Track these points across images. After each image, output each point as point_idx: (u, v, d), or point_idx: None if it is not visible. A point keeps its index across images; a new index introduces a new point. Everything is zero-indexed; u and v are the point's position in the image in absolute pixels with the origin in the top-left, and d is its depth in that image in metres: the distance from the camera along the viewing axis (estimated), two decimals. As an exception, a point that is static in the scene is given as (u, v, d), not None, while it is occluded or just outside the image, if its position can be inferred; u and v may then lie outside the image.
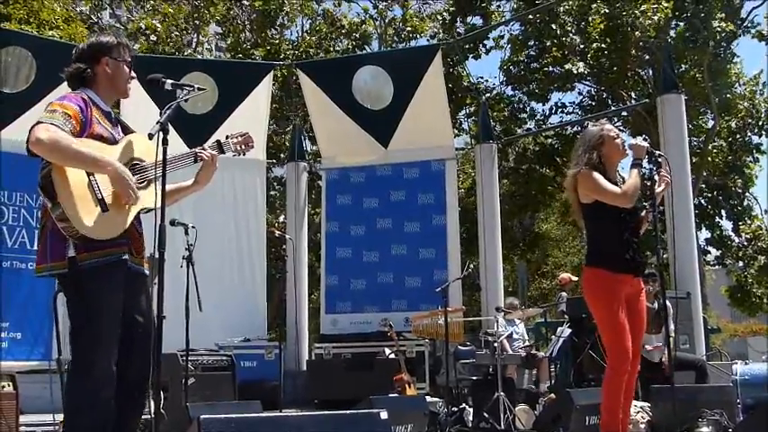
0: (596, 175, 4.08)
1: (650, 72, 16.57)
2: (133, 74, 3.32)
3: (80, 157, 2.96)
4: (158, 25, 15.45)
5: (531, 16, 16.18)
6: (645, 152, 4.17)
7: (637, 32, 14.64)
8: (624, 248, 4.10)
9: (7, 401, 5.46)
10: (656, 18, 14.09)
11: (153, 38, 15.31)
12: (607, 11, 15.50)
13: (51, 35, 12.11)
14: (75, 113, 3.03)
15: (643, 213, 4.30)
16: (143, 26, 15.64)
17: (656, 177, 4.24)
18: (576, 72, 15.96)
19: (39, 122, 2.95)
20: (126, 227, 3.09)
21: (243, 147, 3.56)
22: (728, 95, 17.11)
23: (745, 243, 18.87)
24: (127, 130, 3.31)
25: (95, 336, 2.98)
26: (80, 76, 3.22)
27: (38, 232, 3.13)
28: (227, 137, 3.54)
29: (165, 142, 3.04)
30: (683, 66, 15.21)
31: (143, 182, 3.15)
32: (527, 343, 8.49)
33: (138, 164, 3.17)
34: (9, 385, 5.58)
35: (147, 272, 3.29)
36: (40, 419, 6.07)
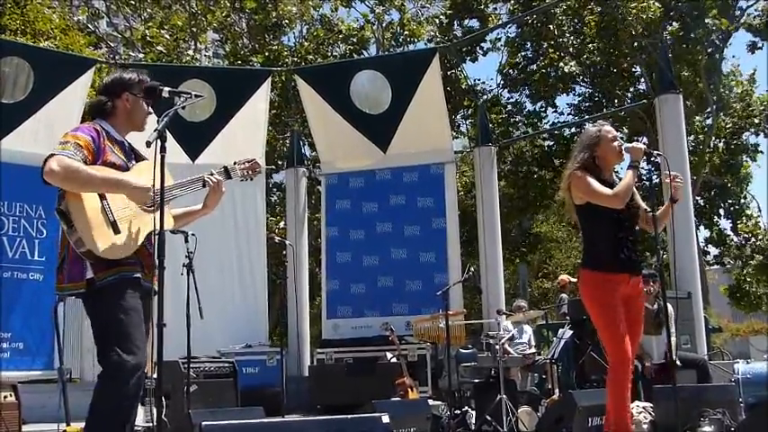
0: (587, 176, 4.08)
1: (645, 72, 16.62)
2: (151, 109, 3.47)
3: (93, 181, 3.15)
4: (167, 36, 15.47)
5: (527, 18, 16.22)
6: (642, 154, 4.17)
7: (629, 29, 14.67)
8: (619, 248, 4.09)
9: (9, 411, 5.47)
10: (644, 16, 14.12)
11: (160, 48, 15.32)
12: (600, 9, 15.57)
13: (47, 45, 12.11)
14: (86, 143, 3.20)
15: (645, 213, 4.30)
16: (148, 35, 15.64)
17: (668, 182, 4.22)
18: (568, 71, 15.99)
19: (51, 155, 3.12)
20: (137, 247, 3.24)
21: (250, 172, 3.70)
22: (723, 93, 17.18)
23: (743, 242, 18.91)
24: (140, 159, 3.45)
25: (122, 342, 3.09)
26: (101, 108, 3.40)
27: (58, 252, 3.31)
28: (234, 163, 3.67)
29: (162, 150, 3.10)
30: (677, 65, 15.28)
31: (153, 205, 3.26)
32: (533, 346, 8.49)
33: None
34: (11, 395, 5.59)
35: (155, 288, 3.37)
36: (43, 429, 6.07)
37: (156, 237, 3.10)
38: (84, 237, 3.11)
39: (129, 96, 3.39)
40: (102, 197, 3.19)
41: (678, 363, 6.17)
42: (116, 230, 3.18)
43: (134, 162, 3.40)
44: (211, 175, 3.51)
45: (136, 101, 3.40)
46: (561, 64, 16.28)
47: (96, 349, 3.16)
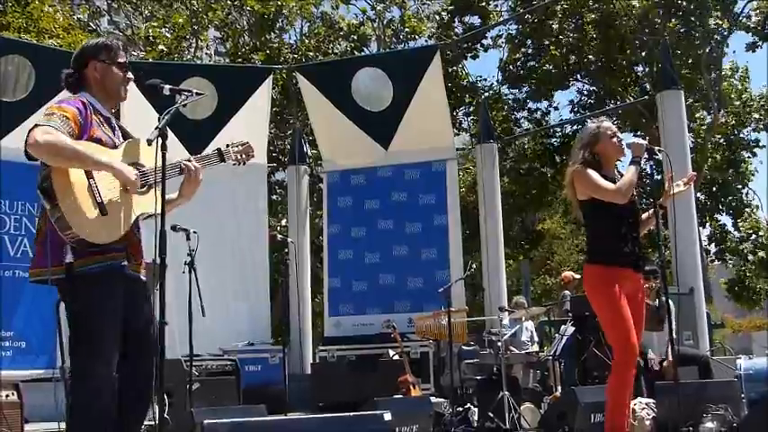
0: (590, 171, 4.08)
1: (645, 69, 16.63)
2: (130, 75, 3.28)
3: (79, 156, 2.94)
4: (168, 35, 15.46)
5: (527, 15, 16.22)
6: (644, 150, 4.17)
7: (627, 26, 14.68)
8: (623, 242, 4.09)
9: (12, 410, 5.47)
10: (638, 10, 14.11)
11: (161, 47, 15.31)
12: (597, 6, 15.59)
13: (51, 44, 12.12)
14: (73, 115, 3.02)
15: (649, 213, 4.31)
16: (150, 34, 15.63)
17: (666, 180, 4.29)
18: (569, 67, 15.99)
19: (36, 125, 2.94)
20: (126, 231, 3.07)
21: (243, 156, 3.51)
22: (723, 89, 17.21)
23: (744, 237, 18.91)
24: (127, 136, 3.29)
25: (94, 342, 2.96)
26: (67, 81, 3.24)
27: (34, 236, 3.12)
28: (227, 145, 3.50)
29: (163, 148, 3.03)
30: (678, 61, 15.27)
31: (143, 186, 3.12)
32: (536, 343, 8.48)
33: (138, 168, 3.15)
34: (13, 394, 5.58)
35: (144, 278, 3.25)
36: (45, 428, 6.07)
37: (158, 235, 2.98)
38: (68, 217, 2.89)
39: (96, 65, 3.19)
40: (89, 175, 2.98)
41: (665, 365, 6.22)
42: (103, 212, 2.97)
43: (121, 139, 3.23)
44: (189, 161, 3.26)
45: (105, 68, 3.20)
46: (562, 61, 16.27)
47: (69, 343, 3.02)
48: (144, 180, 3.13)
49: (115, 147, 3.15)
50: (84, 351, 2.97)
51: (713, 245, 19.79)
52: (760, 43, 17.01)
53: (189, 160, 3.28)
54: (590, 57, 16.75)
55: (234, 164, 3.52)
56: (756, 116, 17.99)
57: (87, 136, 3.05)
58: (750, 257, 18.88)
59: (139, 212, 3.14)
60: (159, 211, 3.01)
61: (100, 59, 3.21)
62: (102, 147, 3.08)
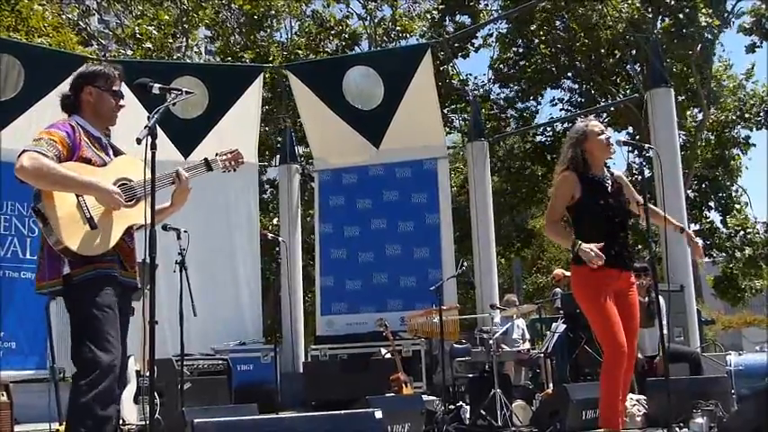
0: (562, 188, 4.17)
1: (636, 68, 16.68)
2: (122, 103, 3.42)
3: (64, 181, 3.09)
4: (154, 32, 15.38)
5: (516, 14, 16.24)
6: (591, 261, 3.95)
7: (615, 27, 14.73)
8: (609, 243, 4.08)
9: (2, 411, 5.45)
10: (623, 9, 14.16)
11: (148, 45, 15.24)
12: (583, 12, 15.66)
13: (41, 42, 12.07)
14: (61, 139, 3.16)
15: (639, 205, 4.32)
16: (137, 32, 15.56)
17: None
18: (559, 66, 16.04)
19: (24, 150, 3.08)
20: (115, 242, 3.20)
21: (232, 163, 3.65)
22: (715, 88, 17.29)
23: (733, 234, 18.99)
24: (118, 153, 3.43)
25: (98, 338, 3.07)
26: (65, 103, 3.39)
27: (38, 251, 3.28)
28: (216, 154, 3.62)
29: (153, 147, 3.08)
30: (669, 60, 15.34)
31: (131, 200, 3.25)
32: (527, 341, 8.48)
33: (126, 183, 3.27)
34: (3, 395, 5.57)
35: (139, 284, 3.39)
36: (36, 429, 6.05)
37: (148, 235, 3.06)
38: (60, 234, 3.07)
39: (91, 90, 3.35)
40: (77, 193, 3.15)
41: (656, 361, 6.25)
42: (93, 226, 3.14)
43: (111, 157, 3.36)
44: (179, 171, 3.44)
45: (100, 94, 3.35)
46: (551, 60, 16.32)
47: (70, 346, 3.13)
48: (131, 194, 3.25)
49: (104, 165, 3.28)
50: (87, 348, 3.06)
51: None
52: (759, 43, 17.11)
53: (178, 171, 3.43)
54: (579, 58, 16.80)
55: (223, 171, 3.64)
56: (747, 115, 18.06)
57: (77, 157, 3.19)
58: (737, 254, 18.96)
59: (129, 224, 3.27)
60: (149, 214, 3.09)
61: (95, 85, 3.36)
62: (91, 166, 3.22)
